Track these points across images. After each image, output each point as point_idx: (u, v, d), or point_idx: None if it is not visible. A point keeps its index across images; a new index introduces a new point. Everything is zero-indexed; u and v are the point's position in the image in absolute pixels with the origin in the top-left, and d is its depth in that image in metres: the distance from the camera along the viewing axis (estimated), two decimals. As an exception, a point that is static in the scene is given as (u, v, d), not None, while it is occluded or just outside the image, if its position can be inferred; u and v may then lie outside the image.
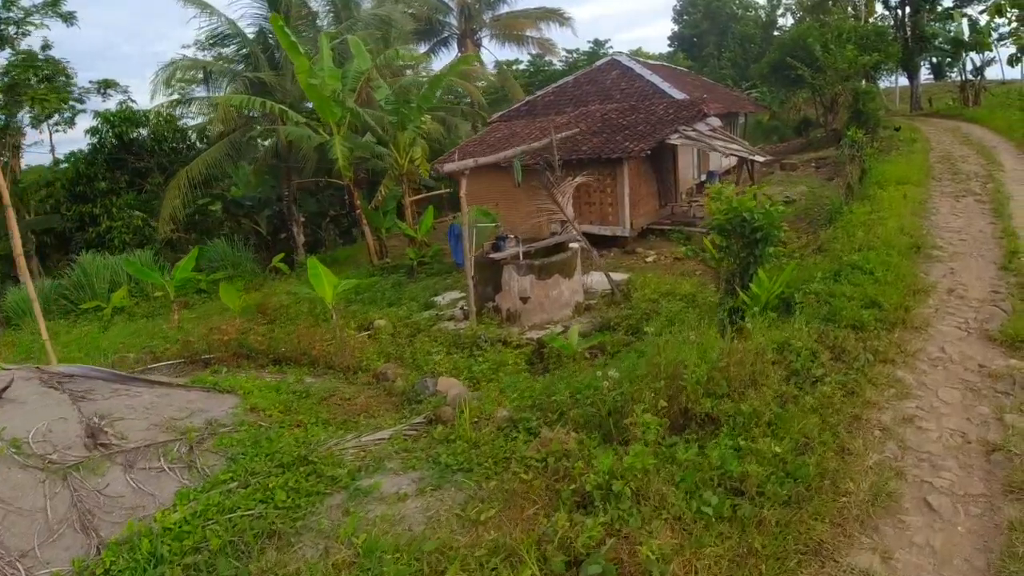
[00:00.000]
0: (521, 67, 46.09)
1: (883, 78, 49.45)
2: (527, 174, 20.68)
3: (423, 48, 43.68)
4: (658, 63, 33.72)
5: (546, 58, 46.03)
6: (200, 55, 28.10)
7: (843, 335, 7.56)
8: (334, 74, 20.62)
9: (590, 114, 23.53)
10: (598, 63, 28.61)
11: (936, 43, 43.07)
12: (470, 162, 14.77)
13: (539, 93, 28.50)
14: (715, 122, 21.97)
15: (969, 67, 42.38)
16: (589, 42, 78.26)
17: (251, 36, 25.61)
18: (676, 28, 69.98)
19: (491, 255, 14.52)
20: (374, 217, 22.73)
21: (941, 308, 8.91)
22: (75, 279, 21.10)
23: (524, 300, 14.07)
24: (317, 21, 27.75)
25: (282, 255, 24.39)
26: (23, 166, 32.17)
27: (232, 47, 26.08)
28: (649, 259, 19.15)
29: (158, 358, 11.69)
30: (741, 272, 10.19)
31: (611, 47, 75.47)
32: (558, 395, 6.91)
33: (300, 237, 25.68)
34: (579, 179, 16.24)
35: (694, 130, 20.62)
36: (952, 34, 42.31)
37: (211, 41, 25.91)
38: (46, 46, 28.33)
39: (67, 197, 27.25)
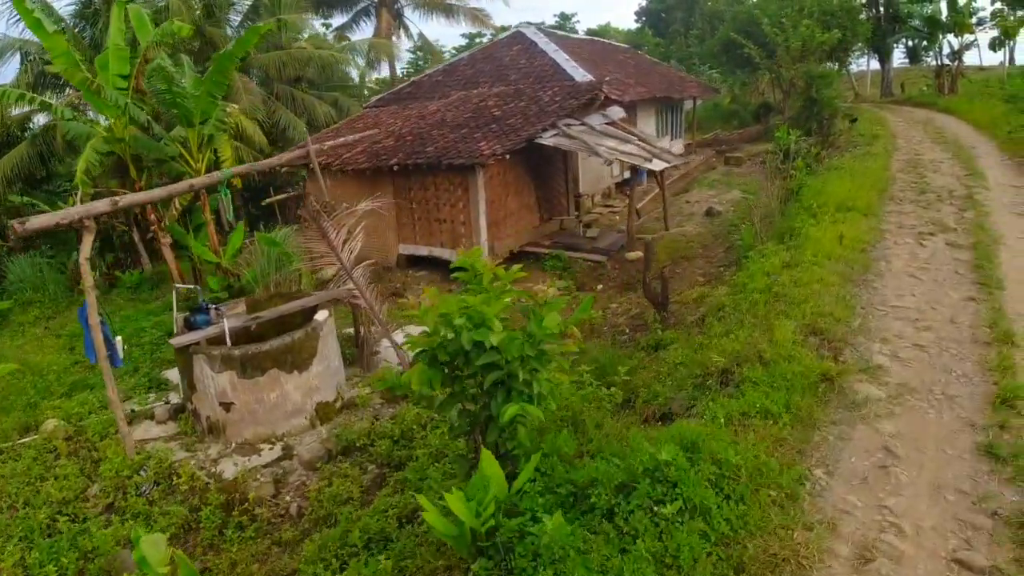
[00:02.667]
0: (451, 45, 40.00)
1: (853, 61, 43.66)
2: (380, 176, 15.09)
3: (341, 19, 37.60)
4: (586, 38, 27.84)
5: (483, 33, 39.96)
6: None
7: None
8: (121, 55, 14.72)
9: (464, 101, 17.80)
10: (501, 36, 22.74)
11: (911, 23, 37.22)
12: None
13: (427, 72, 22.68)
14: (617, 113, 16.32)
15: (946, 51, 36.58)
16: (555, 15, 72.15)
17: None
18: (644, 2, 63.65)
19: (180, 336, 8.94)
20: (178, 233, 17.00)
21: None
22: None
23: (226, 407, 8.54)
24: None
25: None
26: None
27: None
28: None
29: None
30: (483, 425, 5.02)
31: (578, 21, 69.43)
32: None
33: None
34: (366, 205, 10.62)
35: (582, 124, 14.96)
36: (928, 13, 36.45)
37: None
38: None
39: None
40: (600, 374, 8.78)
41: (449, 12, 35.61)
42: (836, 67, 42.99)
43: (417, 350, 4.91)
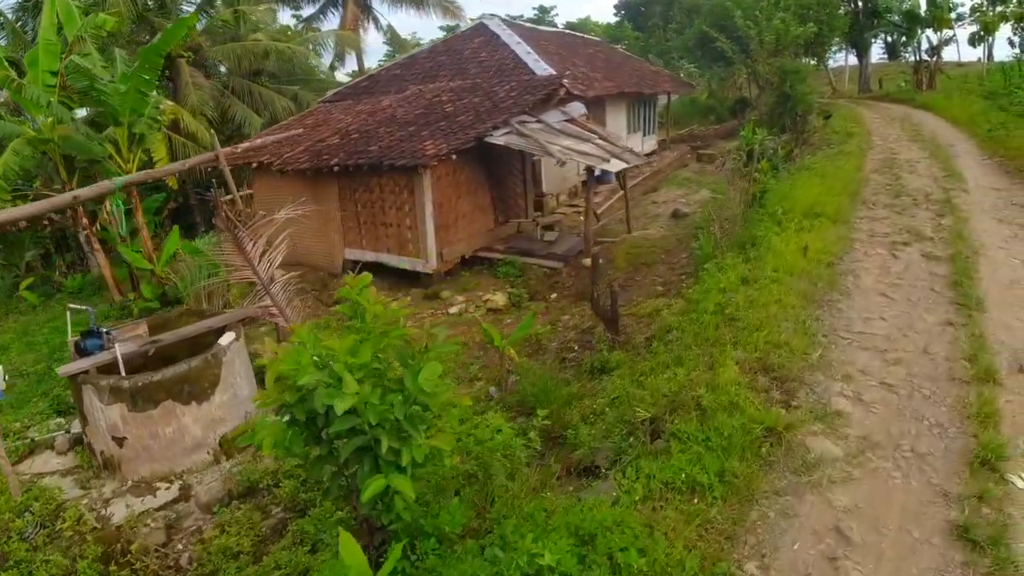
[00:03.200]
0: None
1: (831, 56, 42.88)
2: (324, 177, 13.96)
3: (310, 10, 36.20)
4: (555, 31, 26.69)
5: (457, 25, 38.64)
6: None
7: None
8: (51, 50, 13.44)
9: (418, 96, 16.67)
10: (464, 28, 21.57)
11: (889, 18, 36.38)
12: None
13: (386, 65, 21.50)
14: (577, 109, 15.24)
15: (925, 46, 35.75)
16: (534, 8, 70.80)
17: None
18: (623, -5, 62.46)
19: (68, 364, 7.82)
20: (110, 237, 15.77)
21: None
22: None
23: (119, 441, 7.45)
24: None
25: (31, 280, 17.57)
26: None
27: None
28: (453, 309, 12.58)
29: None
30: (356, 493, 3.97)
31: (556, 14, 68.14)
32: None
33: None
34: (286, 213, 9.51)
35: (538, 121, 13.88)
36: (907, 8, 35.61)
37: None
38: None
39: None
40: (535, 403, 7.77)
41: (419, 3, 34.35)
42: (815, 62, 42.20)
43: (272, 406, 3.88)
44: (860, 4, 37.92)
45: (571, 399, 7.56)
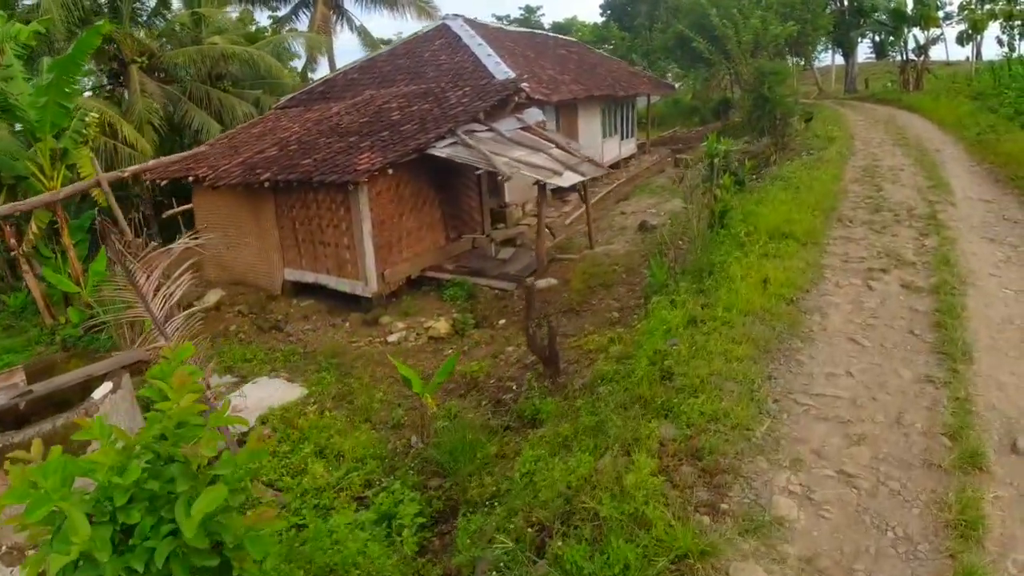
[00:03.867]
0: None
1: (817, 56, 41.78)
2: (260, 192, 12.76)
3: (284, 11, 34.95)
4: (526, 32, 25.45)
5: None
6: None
7: None
8: None
9: (368, 103, 15.47)
10: (426, 29, 20.36)
11: (875, 16, 35.22)
12: None
13: (343, 69, 20.27)
14: (535, 115, 14.03)
15: (912, 45, 34.60)
16: (520, 8, 69.56)
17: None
18: (609, -5, 61.17)
19: None
20: (42, 258, 14.58)
21: None
22: None
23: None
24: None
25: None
26: None
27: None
28: (392, 338, 11.38)
29: None
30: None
31: (543, 14, 66.95)
32: None
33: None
34: (182, 243, 8.29)
35: (489, 129, 12.68)
36: (893, 6, 34.44)
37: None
38: None
39: None
40: (448, 462, 6.61)
41: (392, 4, 33.14)
42: (801, 62, 41.06)
43: None
44: (846, 3, 36.81)
45: (486, 463, 6.39)
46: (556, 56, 22.52)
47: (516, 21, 59.46)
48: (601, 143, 22.97)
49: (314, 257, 12.82)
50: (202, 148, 16.30)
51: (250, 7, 35.03)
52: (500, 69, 15.99)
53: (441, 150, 11.40)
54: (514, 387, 8.93)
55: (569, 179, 11.27)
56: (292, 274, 13.36)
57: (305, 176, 11.44)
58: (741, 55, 21.76)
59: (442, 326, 11.18)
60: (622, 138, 25.40)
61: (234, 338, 12.75)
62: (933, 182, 12.78)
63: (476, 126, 12.57)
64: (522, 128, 13.22)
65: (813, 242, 8.98)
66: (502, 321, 11.35)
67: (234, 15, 37.30)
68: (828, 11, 33.56)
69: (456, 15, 19.83)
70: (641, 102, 28.46)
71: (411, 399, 9.30)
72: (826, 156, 15.54)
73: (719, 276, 7.79)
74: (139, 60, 21.63)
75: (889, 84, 36.15)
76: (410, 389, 7.88)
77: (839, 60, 43.60)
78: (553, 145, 12.85)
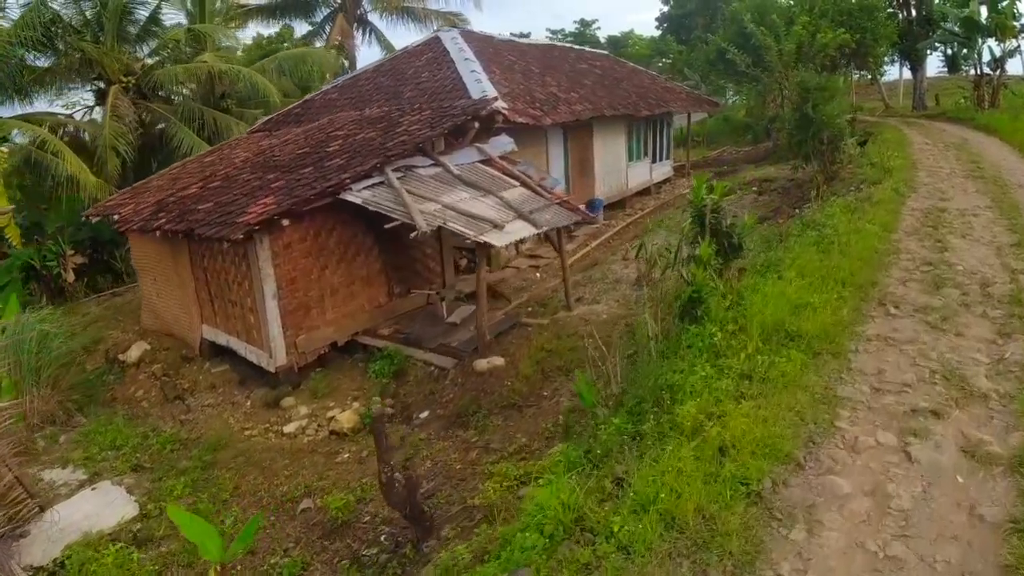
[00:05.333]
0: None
1: (885, 70, 37.39)
2: (173, 239, 10.46)
3: (302, 29, 33.35)
4: (544, 44, 22.54)
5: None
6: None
7: None
8: None
9: (320, 128, 13.06)
10: (416, 43, 17.84)
11: (945, 26, 30.79)
12: None
13: (324, 88, 17.96)
14: (502, 145, 11.22)
15: (986, 57, 30.00)
16: (575, 22, 66.75)
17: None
18: (665, 8, 57.80)
19: None
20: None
21: None
22: None
23: None
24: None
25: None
26: None
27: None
28: (289, 428, 8.78)
29: None
30: None
31: (598, 27, 63.80)
32: None
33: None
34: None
35: (435, 163, 9.97)
36: (965, 15, 29.95)
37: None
38: None
39: None
40: None
41: (419, 18, 30.97)
42: (867, 76, 36.84)
43: None
44: (913, 12, 32.54)
45: None
46: (572, 71, 19.66)
47: (571, 36, 56.59)
48: (626, 167, 20.02)
49: (226, 316, 10.40)
50: (151, 179, 14.28)
51: (288, 21, 33.65)
52: (479, 88, 13.30)
53: (357, 194, 8.76)
54: (385, 538, 6.18)
55: (513, 233, 8.42)
56: (209, 332, 10.99)
57: (188, 228, 9.00)
58: (783, 67, 18.31)
59: (346, 419, 8.51)
60: (653, 160, 22.32)
61: (136, 407, 10.52)
62: (1017, 236, 9.37)
63: (419, 160, 9.90)
64: (482, 161, 10.46)
65: (832, 351, 5.87)
66: (424, 413, 8.60)
67: (273, 31, 36.10)
68: (893, 20, 29.52)
69: (451, 28, 17.27)
70: (683, 120, 25.36)
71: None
72: (878, 194, 12.17)
73: (668, 412, 4.85)
74: (124, 80, 20.00)
75: (962, 100, 31.65)
76: (203, 553, 5.23)
77: (907, 74, 39.00)
78: (517, 183, 10.04)
